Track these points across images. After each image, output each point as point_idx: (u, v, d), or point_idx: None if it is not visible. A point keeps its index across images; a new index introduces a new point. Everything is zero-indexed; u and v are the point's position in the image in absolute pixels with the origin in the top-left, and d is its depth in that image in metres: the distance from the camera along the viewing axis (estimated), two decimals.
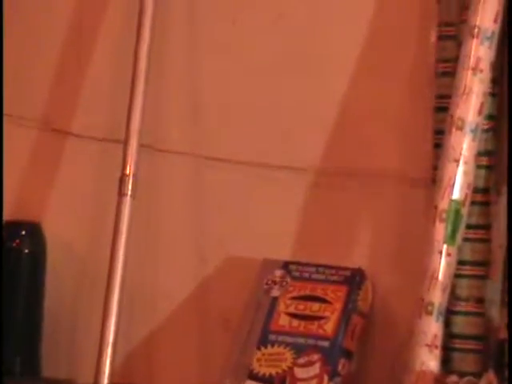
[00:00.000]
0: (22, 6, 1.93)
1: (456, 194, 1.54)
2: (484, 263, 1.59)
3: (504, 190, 1.60)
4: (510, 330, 1.51)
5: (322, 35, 1.75)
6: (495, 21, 1.57)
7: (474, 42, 1.55)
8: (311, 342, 1.63)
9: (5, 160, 1.90)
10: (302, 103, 1.76)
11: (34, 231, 1.82)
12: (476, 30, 1.55)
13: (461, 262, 1.57)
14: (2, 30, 1.94)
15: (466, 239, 1.56)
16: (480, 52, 1.55)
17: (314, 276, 1.68)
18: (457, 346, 1.58)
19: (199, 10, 1.81)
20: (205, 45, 1.81)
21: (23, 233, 1.82)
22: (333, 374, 1.61)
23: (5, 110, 1.91)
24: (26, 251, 1.81)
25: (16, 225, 1.83)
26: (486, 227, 1.59)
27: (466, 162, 1.54)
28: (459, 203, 1.54)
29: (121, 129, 1.77)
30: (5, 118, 1.91)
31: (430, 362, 1.52)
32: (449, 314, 1.56)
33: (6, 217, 1.85)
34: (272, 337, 1.65)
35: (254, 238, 1.76)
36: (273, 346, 1.64)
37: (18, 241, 1.81)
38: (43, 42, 1.93)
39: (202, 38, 1.82)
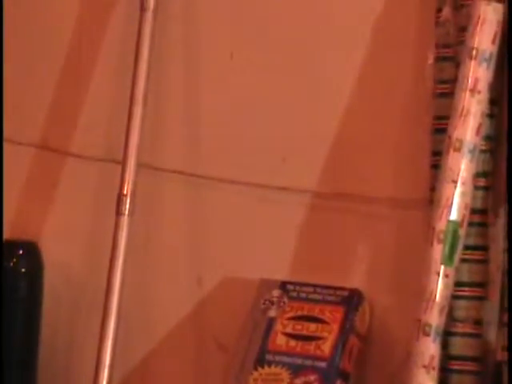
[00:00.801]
0: (21, 28, 1.94)
1: (454, 215, 1.51)
2: (482, 284, 1.57)
3: (501, 211, 1.57)
4: (510, 347, 1.48)
5: (320, 60, 1.74)
6: (493, 42, 1.54)
7: (472, 63, 1.53)
8: (308, 362, 1.62)
9: (4, 179, 1.88)
10: (300, 126, 1.75)
11: (31, 251, 1.82)
12: (474, 52, 1.53)
13: (458, 283, 1.54)
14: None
15: (463, 260, 1.54)
16: (478, 73, 1.53)
17: (312, 296, 1.67)
18: (454, 367, 1.55)
19: (197, 32, 1.80)
20: (203, 69, 1.80)
21: (20, 252, 1.82)
22: None
23: (4, 131, 1.90)
24: (23, 270, 1.81)
25: (13, 244, 1.82)
26: (484, 248, 1.57)
27: (463, 183, 1.52)
28: (457, 224, 1.51)
29: (119, 149, 1.76)
30: (4, 138, 1.90)
31: (428, 383, 1.49)
32: (446, 336, 1.54)
33: (3, 236, 1.81)
34: (269, 357, 1.64)
35: (251, 258, 1.76)
36: (270, 365, 1.64)
37: (14, 260, 1.81)
38: (42, 62, 1.93)
39: (199, 61, 1.80)
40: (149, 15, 1.76)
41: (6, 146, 1.89)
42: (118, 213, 1.73)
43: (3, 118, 1.90)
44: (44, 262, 1.82)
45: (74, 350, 1.85)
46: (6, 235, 1.82)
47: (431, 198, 1.56)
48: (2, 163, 1.86)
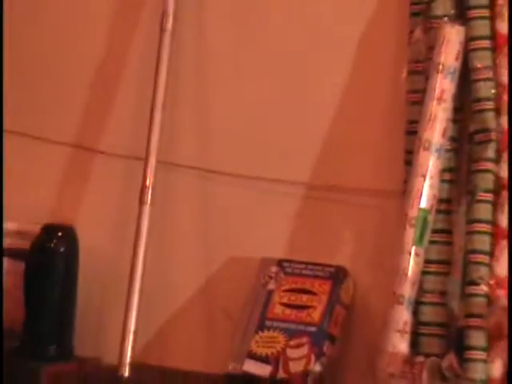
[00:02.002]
0: (60, 43, 1.92)
1: (423, 204, 1.55)
2: (447, 262, 1.59)
3: (463, 200, 1.60)
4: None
5: (313, 72, 1.74)
6: (456, 59, 1.57)
7: (439, 76, 1.57)
8: (301, 327, 1.65)
9: (45, 173, 1.90)
10: (295, 128, 1.76)
11: (69, 234, 1.81)
12: (440, 67, 1.57)
13: (427, 261, 1.58)
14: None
15: (431, 242, 1.57)
16: (444, 85, 1.57)
17: (304, 272, 1.70)
18: (423, 331, 1.58)
19: (207, 48, 1.81)
20: (212, 79, 1.81)
21: (59, 234, 1.80)
22: (319, 355, 1.62)
23: (44, 133, 1.90)
24: (62, 250, 1.80)
25: (53, 228, 1.81)
26: (449, 232, 1.60)
27: (431, 177, 1.56)
28: (426, 211, 1.56)
29: (141, 148, 1.78)
30: (44, 139, 1.90)
31: (401, 345, 1.54)
32: (417, 305, 1.57)
33: (45, 221, 1.82)
34: (268, 323, 1.67)
35: (253, 240, 1.77)
36: (268, 330, 1.66)
37: (55, 241, 1.80)
38: (77, 74, 1.91)
39: (209, 73, 1.81)
40: (167, 34, 1.76)
41: (46, 146, 1.90)
42: (141, 202, 1.75)
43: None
44: (79, 244, 1.82)
45: (104, 319, 1.84)
46: (47, 220, 1.83)
47: (405, 190, 1.59)
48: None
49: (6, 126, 1.91)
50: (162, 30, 1.77)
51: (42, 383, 1.68)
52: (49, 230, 1.80)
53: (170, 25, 1.77)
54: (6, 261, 1.85)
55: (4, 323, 1.82)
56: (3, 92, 1.92)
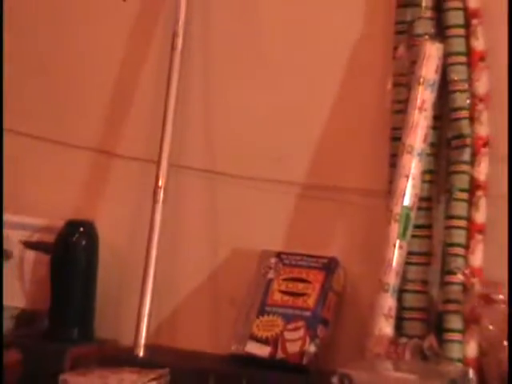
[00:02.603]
0: (83, 60, 1.94)
1: (406, 202, 1.58)
2: (427, 254, 1.63)
3: (442, 199, 1.63)
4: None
5: (307, 84, 1.76)
6: (436, 72, 1.60)
7: (420, 88, 1.59)
8: (297, 312, 1.67)
9: (69, 175, 1.91)
10: (292, 135, 1.78)
11: (89, 229, 1.83)
12: (422, 79, 1.59)
13: (410, 253, 1.60)
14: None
15: (413, 236, 1.60)
16: (425, 96, 1.59)
17: (300, 263, 1.72)
18: (406, 316, 1.61)
19: (213, 63, 1.83)
20: (217, 90, 1.82)
21: (81, 229, 1.82)
22: (313, 337, 1.65)
23: (69, 139, 1.92)
24: (83, 243, 1.82)
25: (75, 224, 1.83)
26: (429, 227, 1.63)
27: (413, 178, 1.58)
28: (409, 208, 1.58)
29: (155, 152, 1.80)
30: (69, 144, 1.92)
31: (386, 328, 1.56)
32: (400, 292, 1.59)
33: (68, 217, 1.84)
34: (268, 308, 1.69)
35: (254, 235, 1.78)
36: (268, 315, 1.68)
37: (77, 236, 1.81)
38: (98, 86, 1.92)
39: (215, 85, 1.82)
40: (177, 52, 1.78)
41: (70, 150, 1.91)
42: (154, 201, 1.77)
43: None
44: (99, 238, 1.83)
45: (121, 305, 1.85)
46: (70, 217, 1.84)
47: (390, 189, 1.62)
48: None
49: (36, 133, 1.93)
50: (173, 48, 1.79)
51: (66, 363, 1.69)
52: (72, 226, 1.82)
53: (179, 43, 1.78)
54: (33, 252, 1.87)
55: (32, 309, 1.86)
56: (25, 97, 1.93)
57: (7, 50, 1.96)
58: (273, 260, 1.74)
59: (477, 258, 1.59)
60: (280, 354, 1.65)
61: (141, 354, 1.72)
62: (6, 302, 1.82)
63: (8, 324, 1.83)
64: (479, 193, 1.60)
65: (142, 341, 1.73)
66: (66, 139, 1.93)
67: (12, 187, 1.93)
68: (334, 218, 1.74)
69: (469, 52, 1.61)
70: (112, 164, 1.91)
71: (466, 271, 1.58)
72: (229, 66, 1.83)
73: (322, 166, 1.77)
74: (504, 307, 1.54)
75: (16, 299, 1.87)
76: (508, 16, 1.58)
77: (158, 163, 1.78)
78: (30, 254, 1.88)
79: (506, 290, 1.54)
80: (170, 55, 1.79)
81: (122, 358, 1.71)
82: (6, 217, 1.86)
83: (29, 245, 1.88)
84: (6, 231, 1.85)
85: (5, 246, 1.85)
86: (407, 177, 1.58)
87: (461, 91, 1.61)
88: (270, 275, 1.73)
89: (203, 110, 1.84)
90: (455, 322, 1.57)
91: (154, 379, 1.61)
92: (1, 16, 1.89)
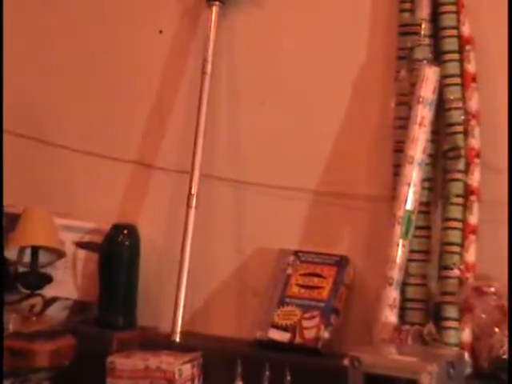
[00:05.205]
0: (127, 82, 1.89)
1: (408, 206, 1.54)
2: (426, 251, 1.58)
3: (439, 203, 1.58)
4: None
5: (318, 102, 1.71)
6: (433, 92, 1.56)
7: (420, 106, 1.55)
8: (313, 303, 1.63)
9: (115, 185, 1.87)
10: (307, 148, 1.73)
11: (132, 231, 1.80)
12: (421, 99, 1.55)
13: (411, 251, 1.56)
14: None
15: (414, 236, 1.56)
16: (424, 113, 1.55)
17: (315, 260, 1.68)
18: (408, 306, 1.56)
19: (237, 85, 1.79)
20: (242, 111, 1.78)
21: (125, 231, 1.79)
22: (327, 325, 1.61)
23: (114, 153, 1.88)
24: (127, 243, 1.78)
25: (120, 226, 1.79)
26: (428, 228, 1.59)
27: (414, 185, 1.54)
28: (410, 212, 1.54)
29: (188, 163, 1.75)
30: (114, 158, 1.88)
31: (391, 316, 1.52)
32: (403, 285, 1.55)
33: (114, 221, 1.80)
34: (287, 300, 1.65)
35: (274, 236, 1.74)
36: (287, 306, 1.64)
37: (121, 237, 1.78)
38: (139, 106, 1.88)
39: (239, 106, 1.78)
40: (207, 76, 1.75)
41: (116, 163, 1.87)
42: (188, 207, 1.73)
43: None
44: (140, 238, 1.80)
45: (159, 296, 1.81)
46: (115, 221, 1.81)
47: (393, 195, 1.58)
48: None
49: (87, 149, 1.90)
50: (203, 72, 1.76)
51: (113, 346, 1.67)
52: (117, 228, 1.79)
53: (209, 68, 1.75)
54: (84, 252, 1.84)
55: (83, 300, 1.82)
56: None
57: (63, 77, 1.95)
58: (291, 257, 1.70)
59: (471, 255, 1.54)
60: (298, 340, 1.62)
61: (177, 339, 1.69)
62: (61, 294, 1.80)
63: (63, 313, 1.81)
64: (472, 198, 1.55)
65: (178, 328, 1.69)
66: (112, 154, 1.90)
67: (66, 196, 1.92)
68: (344, 221, 1.70)
69: (462, 74, 1.57)
70: (151, 175, 1.88)
71: (461, 267, 1.54)
72: (252, 88, 1.79)
73: (334, 175, 1.72)
74: (495, 298, 1.50)
75: (69, 292, 1.83)
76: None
77: (191, 173, 1.75)
78: (82, 253, 1.85)
79: (497, 284, 1.50)
80: (201, 78, 1.77)
81: (160, 342, 1.67)
82: (61, 221, 1.83)
83: (80, 245, 1.85)
84: (60, 233, 1.81)
85: (60, 247, 1.81)
86: (409, 184, 1.55)
87: (455, 109, 1.56)
88: (289, 271, 1.69)
89: (230, 128, 1.81)
90: (451, 312, 1.52)
91: (188, 361, 1.57)
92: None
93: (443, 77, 1.56)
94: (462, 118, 1.55)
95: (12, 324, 1.64)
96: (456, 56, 1.56)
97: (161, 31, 1.84)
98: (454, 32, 1.56)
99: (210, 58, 1.75)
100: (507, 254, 1.49)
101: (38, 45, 1.97)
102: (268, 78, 1.77)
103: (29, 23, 1.98)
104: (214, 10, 1.76)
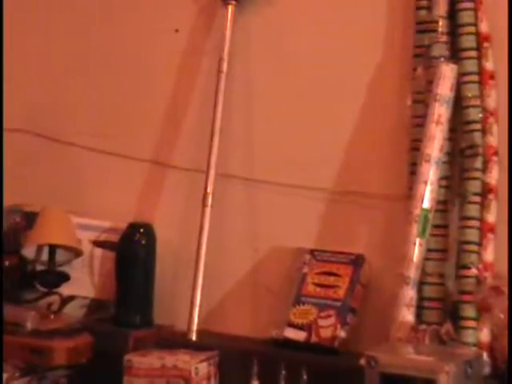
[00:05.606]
0: (143, 82, 1.88)
1: (425, 205, 1.51)
2: (444, 250, 1.55)
3: (456, 202, 1.56)
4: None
5: (336, 101, 1.68)
6: (451, 90, 1.54)
7: (437, 104, 1.52)
8: (329, 302, 1.61)
9: (131, 184, 1.86)
10: (323, 147, 1.70)
11: (148, 230, 1.78)
12: (438, 97, 1.52)
13: (428, 250, 1.53)
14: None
15: (431, 235, 1.53)
16: (441, 111, 1.52)
17: (331, 259, 1.66)
18: (425, 305, 1.53)
19: (251, 85, 1.77)
20: (257, 109, 1.76)
21: (141, 230, 1.77)
22: (343, 324, 1.59)
23: (131, 153, 1.86)
24: (143, 242, 1.76)
25: (136, 225, 1.77)
26: (445, 227, 1.56)
27: (431, 184, 1.51)
28: (427, 210, 1.51)
29: (203, 163, 1.74)
30: (130, 157, 1.87)
31: (408, 316, 1.49)
32: (420, 284, 1.52)
33: (130, 220, 1.78)
34: (303, 299, 1.63)
35: (290, 234, 1.72)
36: (303, 304, 1.62)
37: (138, 235, 1.76)
38: (154, 107, 1.86)
39: (254, 102, 1.76)
40: (223, 75, 1.73)
41: (132, 162, 1.85)
42: (203, 205, 1.71)
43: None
44: (156, 237, 1.77)
45: (175, 295, 1.79)
46: (131, 219, 1.78)
47: (409, 194, 1.55)
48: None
49: (103, 148, 1.88)
50: (219, 71, 1.74)
51: (130, 344, 1.65)
52: (133, 227, 1.77)
53: (225, 67, 1.74)
54: (101, 250, 1.82)
55: (100, 298, 1.80)
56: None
57: (79, 76, 1.93)
58: (307, 256, 1.68)
59: (489, 254, 1.51)
60: (314, 339, 1.59)
61: (193, 337, 1.67)
62: (78, 292, 1.79)
63: (80, 312, 1.79)
64: (490, 196, 1.52)
65: (194, 326, 1.67)
66: (128, 153, 1.88)
67: (83, 195, 1.91)
68: (360, 220, 1.67)
69: (480, 71, 1.54)
70: (166, 174, 1.86)
71: (479, 266, 1.50)
72: (267, 87, 1.77)
73: (349, 174, 1.70)
74: None
75: (87, 290, 1.82)
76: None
77: (207, 173, 1.73)
78: (99, 252, 1.83)
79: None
80: (217, 77, 1.75)
81: (177, 341, 1.66)
82: (78, 220, 1.82)
83: (97, 244, 1.84)
84: (77, 232, 1.80)
85: (77, 245, 1.80)
86: (426, 182, 1.52)
87: (473, 106, 1.53)
88: (305, 269, 1.67)
89: (245, 128, 1.79)
90: (469, 311, 1.49)
91: (204, 360, 1.57)
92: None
93: (461, 74, 1.53)
94: (480, 115, 1.52)
95: (30, 322, 1.64)
96: (474, 53, 1.53)
97: (177, 30, 1.83)
98: (472, 29, 1.53)
99: (225, 57, 1.73)
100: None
101: (53, 44, 1.96)
102: (283, 76, 1.74)
103: (46, 22, 1.97)
104: (230, 8, 1.75)
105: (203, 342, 1.64)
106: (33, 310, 1.66)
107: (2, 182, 1.78)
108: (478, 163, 1.51)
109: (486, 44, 1.52)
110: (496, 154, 1.51)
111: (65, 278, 1.74)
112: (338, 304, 1.59)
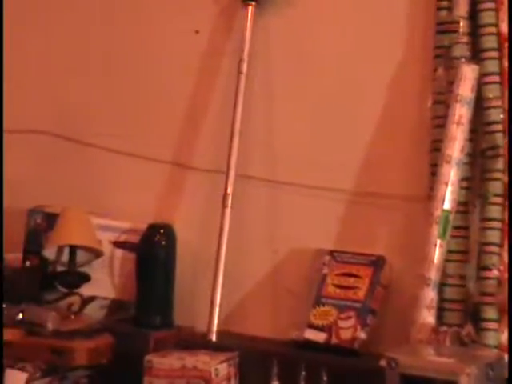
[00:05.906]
0: (165, 85, 1.87)
1: (446, 206, 1.51)
2: (464, 252, 1.55)
3: (477, 203, 1.55)
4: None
5: (357, 103, 1.69)
6: (472, 91, 1.53)
7: (458, 105, 1.52)
8: (349, 303, 1.61)
9: (151, 185, 1.86)
10: (344, 148, 1.70)
11: (169, 230, 1.77)
12: (459, 97, 1.52)
13: (449, 251, 1.53)
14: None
15: (452, 236, 1.53)
16: (462, 112, 1.52)
17: (351, 260, 1.66)
18: (446, 306, 1.53)
19: (271, 86, 1.77)
20: (277, 111, 1.76)
21: (162, 231, 1.76)
22: (363, 325, 1.59)
23: (151, 154, 1.86)
24: (163, 243, 1.76)
25: (157, 226, 1.77)
26: (466, 228, 1.55)
27: (452, 185, 1.51)
28: (448, 212, 1.51)
29: (223, 164, 1.74)
30: (151, 158, 1.87)
31: (429, 317, 1.49)
32: (441, 286, 1.52)
33: (150, 221, 1.78)
34: (323, 300, 1.63)
35: (310, 236, 1.72)
36: (324, 306, 1.62)
37: (158, 236, 1.76)
38: (175, 108, 1.86)
39: (275, 103, 1.76)
40: (243, 76, 1.74)
41: (152, 163, 1.86)
42: (223, 206, 1.71)
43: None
44: (176, 238, 1.77)
45: (196, 296, 1.79)
46: (151, 220, 1.78)
47: (429, 195, 1.54)
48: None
49: (124, 150, 1.88)
50: (239, 72, 1.74)
51: (150, 345, 1.65)
52: (153, 228, 1.77)
53: (245, 68, 1.74)
54: (121, 251, 1.82)
55: (120, 299, 1.80)
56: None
57: (100, 77, 1.94)
58: (326, 257, 1.68)
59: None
60: (334, 340, 1.59)
61: (213, 338, 1.68)
62: (98, 293, 1.78)
63: (100, 312, 1.79)
64: None
65: (214, 327, 1.68)
66: (148, 154, 1.88)
67: (103, 196, 1.90)
68: (380, 221, 1.67)
69: (501, 72, 1.53)
70: (187, 175, 1.86)
71: (500, 267, 1.50)
72: (287, 88, 1.77)
73: (370, 175, 1.69)
74: None
75: (107, 291, 1.82)
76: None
77: (227, 173, 1.73)
78: (119, 253, 1.83)
79: None
80: (237, 78, 1.75)
81: (197, 341, 1.66)
82: (98, 221, 1.83)
83: (117, 244, 1.84)
84: (98, 233, 1.81)
85: (97, 246, 1.80)
86: (446, 184, 1.51)
87: (495, 107, 1.52)
88: (325, 271, 1.66)
89: (265, 129, 1.79)
90: (490, 313, 1.49)
91: (225, 361, 1.57)
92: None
93: (482, 75, 1.52)
94: (502, 116, 1.51)
95: (51, 322, 1.64)
96: (495, 54, 1.52)
97: (197, 31, 1.83)
98: (493, 29, 1.52)
99: (245, 58, 1.74)
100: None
101: (74, 46, 1.97)
102: (304, 77, 1.74)
103: (65, 24, 1.98)
104: (250, 9, 1.75)
105: (223, 342, 1.64)
106: (53, 311, 1.67)
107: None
108: (500, 164, 1.50)
109: (507, 44, 1.51)
110: None
111: (85, 278, 1.75)
112: (358, 305, 1.59)
